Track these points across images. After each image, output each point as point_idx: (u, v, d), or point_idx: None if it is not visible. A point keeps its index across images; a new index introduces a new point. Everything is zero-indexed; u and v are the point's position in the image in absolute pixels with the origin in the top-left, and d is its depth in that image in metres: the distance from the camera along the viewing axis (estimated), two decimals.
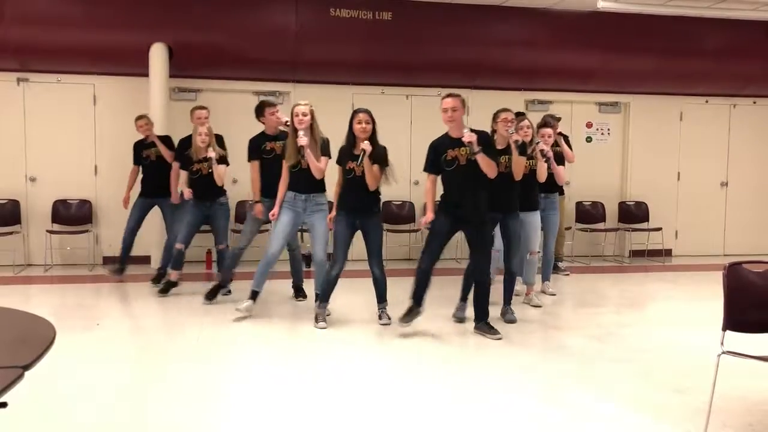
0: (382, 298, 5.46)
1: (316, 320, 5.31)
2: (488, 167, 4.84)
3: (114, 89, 8.16)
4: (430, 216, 5.00)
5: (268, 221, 5.87)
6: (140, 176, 7.19)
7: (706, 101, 9.73)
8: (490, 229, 5.20)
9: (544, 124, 6.39)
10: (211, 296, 6.06)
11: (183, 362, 4.42)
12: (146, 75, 7.69)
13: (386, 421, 3.41)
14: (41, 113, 8.08)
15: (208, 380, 4.02)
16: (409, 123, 8.80)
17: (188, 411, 3.51)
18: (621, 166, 9.67)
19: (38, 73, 8.04)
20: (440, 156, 4.97)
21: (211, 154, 6.07)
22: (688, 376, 4.14)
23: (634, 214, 9.47)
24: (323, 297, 5.38)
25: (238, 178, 7.89)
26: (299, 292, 6.29)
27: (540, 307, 6.09)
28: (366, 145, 5.05)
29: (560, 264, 7.93)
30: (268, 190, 5.89)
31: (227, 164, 6.32)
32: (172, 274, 6.40)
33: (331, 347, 4.81)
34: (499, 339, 4.97)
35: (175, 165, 6.68)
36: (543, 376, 4.16)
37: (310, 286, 5.97)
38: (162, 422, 3.37)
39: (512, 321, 5.53)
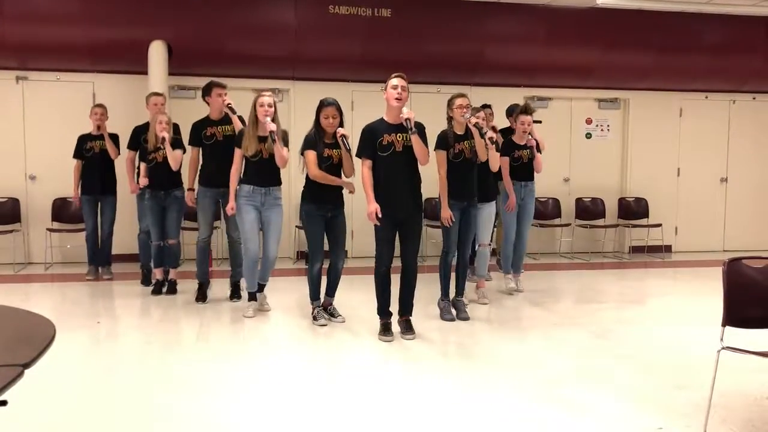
0: (332, 291, 5.43)
1: (315, 318, 5.32)
2: (422, 151, 4.74)
3: (113, 87, 8.15)
4: (373, 206, 4.68)
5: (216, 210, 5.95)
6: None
7: (706, 97, 9.72)
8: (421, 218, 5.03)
9: (524, 110, 6.36)
10: (202, 298, 6.03)
11: (184, 359, 4.42)
12: (145, 73, 7.68)
13: (384, 417, 3.41)
14: (40, 111, 8.07)
15: (209, 376, 4.02)
16: None
17: (190, 408, 3.52)
18: (620, 162, 9.67)
19: (37, 72, 8.04)
20: (376, 141, 4.77)
21: (164, 134, 5.96)
22: (688, 371, 4.15)
23: (633, 210, 9.47)
24: (314, 295, 5.36)
25: None
26: (236, 292, 6.12)
27: (486, 304, 6.00)
28: (342, 130, 5.10)
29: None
30: (208, 179, 5.86)
31: (183, 150, 6.18)
32: (157, 272, 6.42)
33: (328, 343, 4.82)
34: (412, 339, 4.84)
35: (130, 153, 6.60)
36: (543, 372, 4.17)
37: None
38: (164, 419, 3.38)
39: (465, 319, 5.44)
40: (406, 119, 4.67)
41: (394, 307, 4.98)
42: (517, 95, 8.95)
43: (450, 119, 5.37)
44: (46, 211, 8.03)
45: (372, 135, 4.80)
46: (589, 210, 9.31)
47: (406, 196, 4.83)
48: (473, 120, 5.23)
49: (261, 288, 5.68)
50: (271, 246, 5.48)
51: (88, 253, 7.17)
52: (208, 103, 6.00)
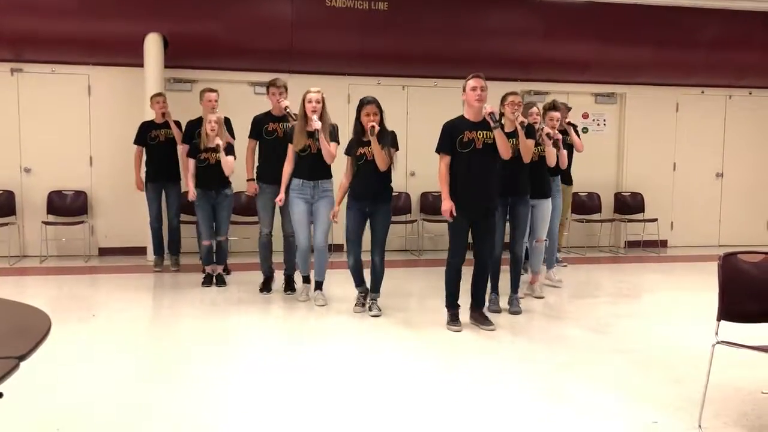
0: (376, 288, 5.49)
1: (370, 309, 5.40)
2: (505, 145, 4.81)
3: (109, 80, 8.12)
4: (448, 203, 4.82)
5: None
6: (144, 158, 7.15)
7: (702, 92, 9.73)
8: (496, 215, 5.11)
9: (552, 107, 6.37)
10: (267, 289, 6.13)
11: (180, 353, 4.42)
12: (141, 65, 7.65)
13: (386, 412, 3.42)
14: (36, 104, 8.04)
15: (207, 370, 4.02)
16: (406, 114, 8.79)
17: (187, 402, 3.52)
18: (617, 157, 9.68)
19: (32, 64, 8.00)
20: (456, 138, 4.86)
21: (218, 140, 6.02)
22: (682, 366, 4.17)
23: (629, 205, 9.49)
24: (358, 281, 5.49)
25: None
26: (290, 284, 6.16)
27: (542, 298, 6.11)
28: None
29: (557, 254, 7.93)
30: (262, 173, 5.94)
31: (235, 156, 6.20)
32: (208, 268, 6.45)
33: (336, 337, 4.83)
34: (492, 330, 4.98)
35: (183, 148, 6.63)
36: (540, 367, 4.18)
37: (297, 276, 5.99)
38: (160, 412, 3.38)
39: (517, 312, 5.52)
40: (490, 113, 4.72)
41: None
42: (514, 89, 8.93)
43: (501, 115, 5.34)
44: (41, 203, 8.00)
45: (452, 131, 4.87)
46: (585, 204, 9.32)
47: (483, 192, 4.90)
48: (520, 119, 5.28)
49: (318, 285, 5.74)
50: (319, 236, 5.56)
51: (154, 242, 7.19)
52: (270, 100, 6.00)
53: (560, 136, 5.94)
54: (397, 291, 6.25)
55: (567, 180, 7.51)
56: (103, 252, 8.17)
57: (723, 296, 3.13)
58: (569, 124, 7.26)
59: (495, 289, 5.59)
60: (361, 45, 8.17)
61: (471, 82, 4.83)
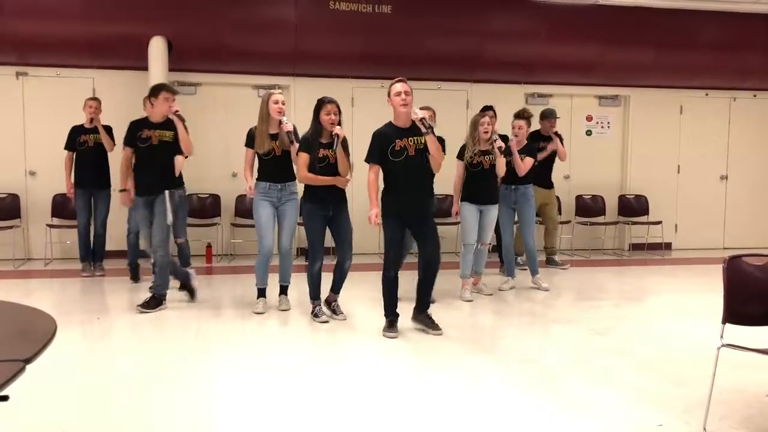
0: (338, 289, 5.39)
1: (316, 315, 5.30)
2: (437, 151, 4.70)
3: (113, 83, 8.15)
4: (376, 210, 4.77)
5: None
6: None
7: (706, 94, 9.72)
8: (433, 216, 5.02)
9: (519, 115, 6.62)
10: (185, 290, 6.00)
11: (183, 356, 4.43)
12: (146, 68, 7.68)
13: (383, 413, 3.42)
14: (40, 107, 8.07)
15: (208, 373, 4.02)
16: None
17: (189, 404, 3.52)
18: (621, 159, 9.67)
19: (37, 67, 8.03)
20: (387, 147, 4.74)
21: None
22: (687, 368, 4.15)
23: (633, 207, 9.47)
24: (314, 294, 5.32)
25: (237, 172, 7.88)
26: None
27: (491, 295, 6.23)
28: (339, 130, 5.06)
29: (555, 257, 7.94)
30: (136, 185, 5.64)
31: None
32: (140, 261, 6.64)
33: (330, 341, 4.82)
34: (440, 335, 4.86)
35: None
36: (543, 369, 4.17)
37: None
38: (163, 416, 3.38)
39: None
40: (421, 119, 4.64)
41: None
42: (518, 92, 8.98)
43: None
44: (46, 206, 8.02)
45: (382, 141, 4.77)
46: (589, 207, 9.31)
47: (419, 198, 4.83)
48: (499, 143, 5.68)
49: (283, 290, 5.69)
50: (285, 239, 5.49)
51: (80, 249, 7.16)
52: (152, 104, 5.65)
53: (503, 145, 5.98)
54: (400, 293, 6.26)
55: (548, 184, 7.71)
56: (108, 255, 8.18)
57: (728, 299, 3.12)
58: (556, 133, 7.55)
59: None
60: (365, 48, 8.18)
61: (396, 87, 4.73)
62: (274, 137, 5.36)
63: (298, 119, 8.17)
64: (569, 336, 4.99)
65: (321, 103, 5.16)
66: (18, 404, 2.29)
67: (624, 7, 8.38)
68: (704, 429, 3.19)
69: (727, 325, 3.13)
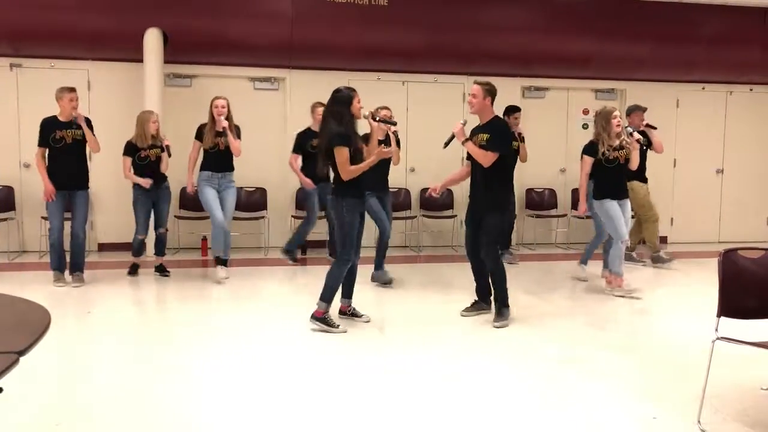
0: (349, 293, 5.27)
1: (329, 324, 4.87)
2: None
3: (108, 75, 8.11)
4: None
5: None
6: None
7: (703, 88, 9.72)
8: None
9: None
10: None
11: (176, 348, 4.42)
12: (141, 60, 7.64)
13: (383, 407, 3.42)
14: (35, 99, 8.00)
15: (203, 364, 4.02)
16: (405, 109, 8.76)
17: (183, 396, 3.52)
18: None
19: (32, 59, 7.98)
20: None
21: (167, 142, 6.60)
22: (682, 362, 4.17)
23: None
24: (329, 297, 4.86)
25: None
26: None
27: (622, 297, 6.09)
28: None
29: (661, 254, 7.84)
30: (53, 178, 6.11)
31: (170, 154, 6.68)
32: (137, 260, 6.81)
33: (328, 335, 4.83)
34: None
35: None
36: (540, 363, 4.18)
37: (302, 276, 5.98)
38: (157, 408, 3.38)
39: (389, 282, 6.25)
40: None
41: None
42: (514, 85, 8.96)
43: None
44: (41, 199, 7.95)
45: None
46: None
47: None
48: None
49: (224, 262, 6.51)
50: (227, 219, 6.41)
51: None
52: (60, 104, 6.19)
53: (641, 138, 6.16)
54: (398, 286, 6.28)
55: (642, 178, 7.53)
56: (102, 247, 8.17)
57: (723, 292, 3.12)
58: (647, 125, 7.35)
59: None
60: (361, 40, 8.15)
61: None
62: (218, 134, 6.31)
63: (293, 111, 8.23)
64: (564, 329, 5.00)
65: (350, 97, 4.80)
66: (12, 396, 2.29)
67: (620, 0, 8.36)
68: (698, 422, 3.21)
69: (722, 318, 3.14)
